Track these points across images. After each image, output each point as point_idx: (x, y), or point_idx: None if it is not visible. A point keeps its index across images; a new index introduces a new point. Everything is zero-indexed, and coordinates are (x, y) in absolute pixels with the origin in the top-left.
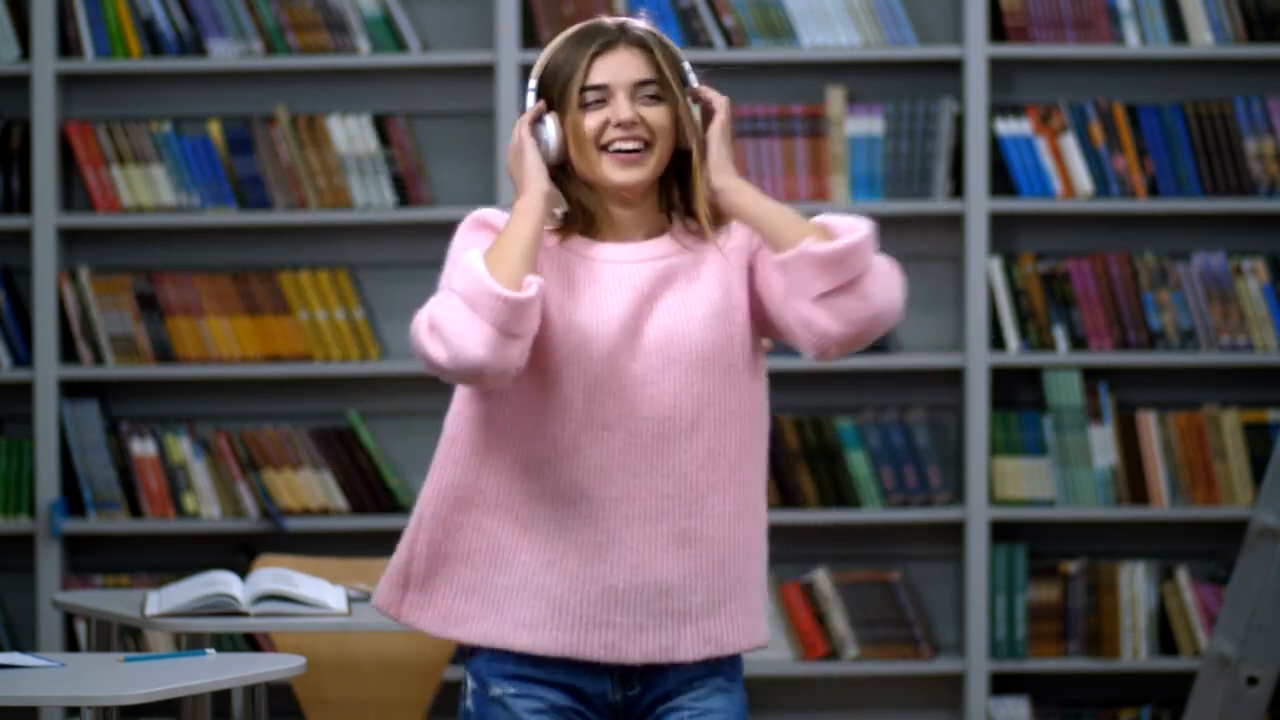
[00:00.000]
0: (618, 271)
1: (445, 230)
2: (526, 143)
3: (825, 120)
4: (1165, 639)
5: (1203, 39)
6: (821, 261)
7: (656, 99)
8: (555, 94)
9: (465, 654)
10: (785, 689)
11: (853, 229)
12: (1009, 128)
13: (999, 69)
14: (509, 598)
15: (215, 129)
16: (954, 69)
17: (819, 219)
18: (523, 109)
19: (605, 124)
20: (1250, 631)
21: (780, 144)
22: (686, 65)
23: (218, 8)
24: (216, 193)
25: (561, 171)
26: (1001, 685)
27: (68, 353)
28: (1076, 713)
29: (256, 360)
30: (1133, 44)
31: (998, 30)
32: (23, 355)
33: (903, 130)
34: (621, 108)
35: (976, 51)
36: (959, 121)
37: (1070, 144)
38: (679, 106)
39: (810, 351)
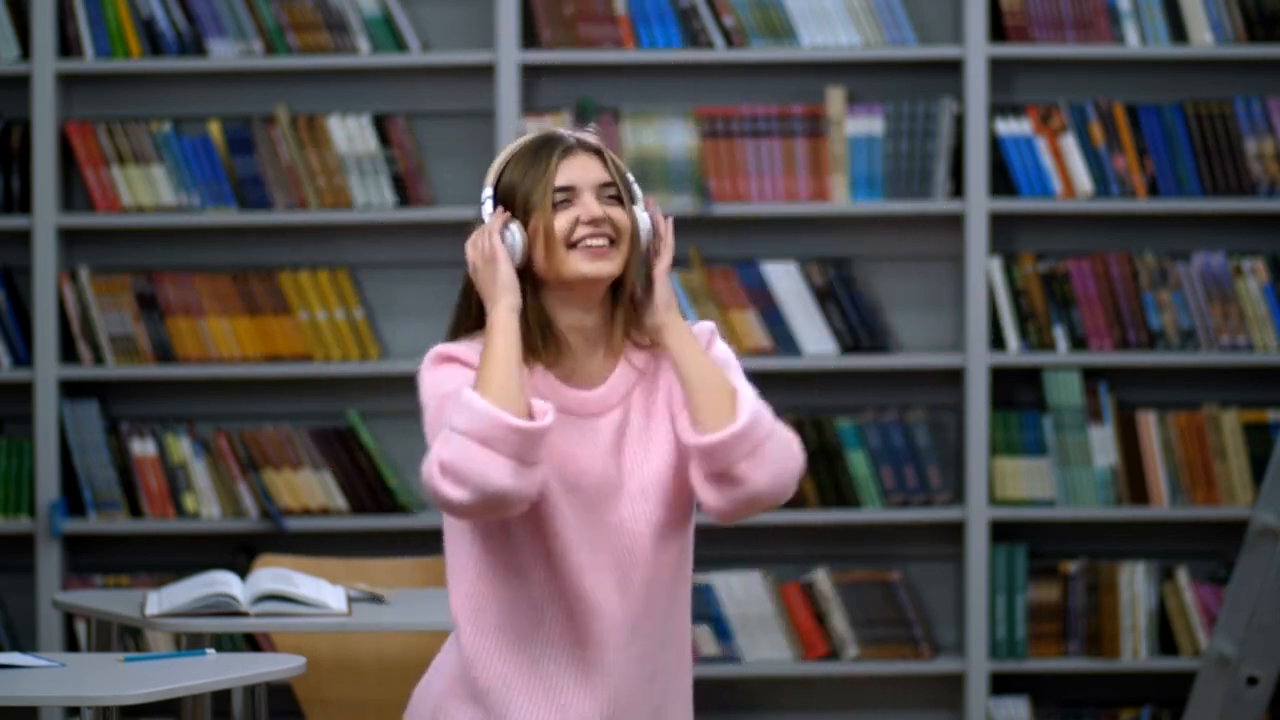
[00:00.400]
0: (588, 416)
1: (445, 230)
2: (500, 252)
3: (825, 120)
4: (1165, 639)
5: (1203, 39)
6: (695, 450)
7: (617, 200)
8: (519, 199)
9: None
10: (785, 689)
11: (733, 418)
12: (1009, 128)
13: (999, 69)
14: None
15: (215, 129)
16: (954, 69)
17: (736, 387)
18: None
19: (575, 222)
20: (1250, 631)
21: (780, 144)
22: (630, 177)
23: (218, 8)
24: (216, 193)
25: (520, 281)
26: (1001, 685)
27: (68, 353)
28: (1076, 713)
29: (256, 360)
30: (1133, 44)
31: (998, 30)
32: (23, 355)
33: (903, 130)
34: (591, 206)
35: (976, 51)
36: (959, 121)
37: (1070, 144)
38: (632, 213)
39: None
